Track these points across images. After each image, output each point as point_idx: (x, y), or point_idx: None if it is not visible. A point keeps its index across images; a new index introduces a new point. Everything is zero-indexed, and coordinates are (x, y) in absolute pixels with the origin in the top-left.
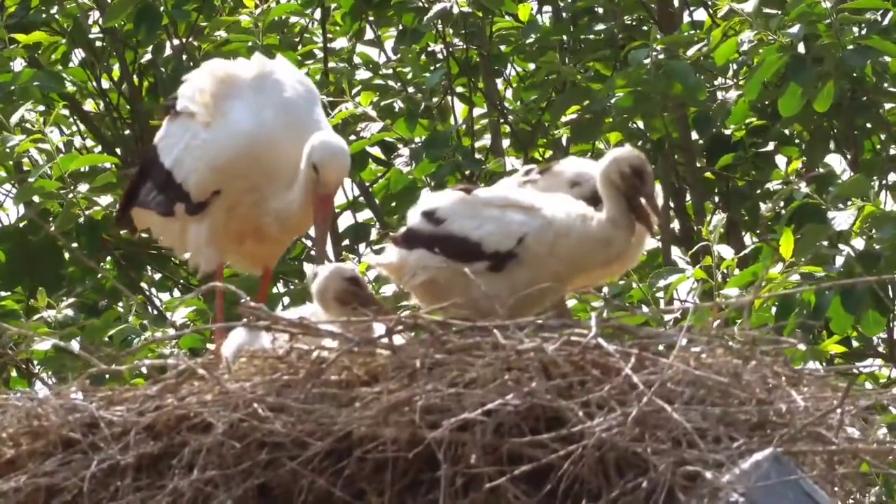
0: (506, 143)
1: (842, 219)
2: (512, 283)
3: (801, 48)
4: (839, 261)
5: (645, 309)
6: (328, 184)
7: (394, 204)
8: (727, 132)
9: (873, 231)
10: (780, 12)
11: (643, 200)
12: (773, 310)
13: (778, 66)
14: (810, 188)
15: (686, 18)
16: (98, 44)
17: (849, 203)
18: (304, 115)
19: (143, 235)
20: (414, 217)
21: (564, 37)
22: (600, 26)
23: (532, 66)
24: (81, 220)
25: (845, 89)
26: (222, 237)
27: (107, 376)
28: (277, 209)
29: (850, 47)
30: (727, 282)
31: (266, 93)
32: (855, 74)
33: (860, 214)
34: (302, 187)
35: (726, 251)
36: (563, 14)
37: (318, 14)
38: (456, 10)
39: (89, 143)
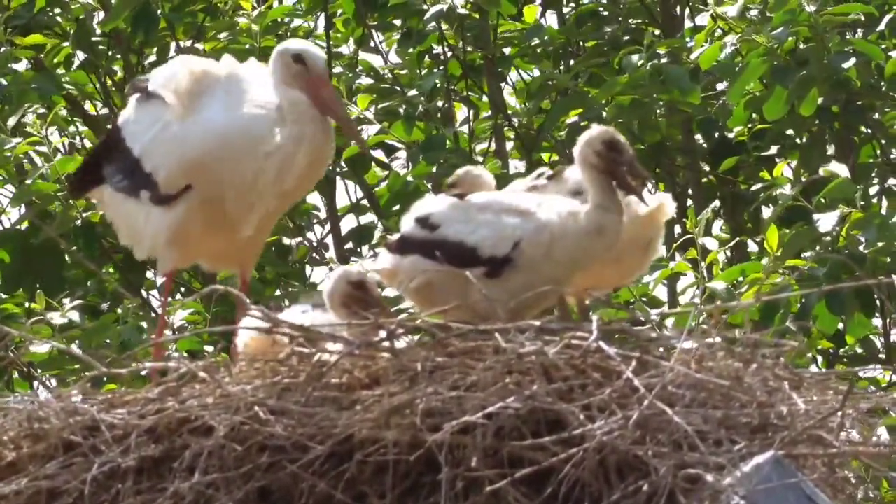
0: (509, 145)
1: (826, 221)
2: (508, 287)
3: (786, 51)
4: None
5: (652, 313)
6: (317, 66)
7: (396, 207)
8: (730, 135)
9: (860, 233)
10: (768, 14)
11: (626, 172)
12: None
13: (762, 71)
14: (795, 191)
15: (688, 24)
16: (101, 47)
17: (833, 206)
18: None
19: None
20: (407, 223)
21: (569, 41)
22: (605, 30)
23: (535, 70)
24: (79, 222)
25: (840, 92)
26: (189, 231)
27: (105, 379)
28: (282, 148)
29: (835, 51)
30: (713, 276)
31: (238, 91)
32: (840, 78)
33: (847, 220)
34: (288, 92)
35: (711, 243)
36: (566, 19)
37: (321, 19)
38: (455, 10)
39: (89, 144)
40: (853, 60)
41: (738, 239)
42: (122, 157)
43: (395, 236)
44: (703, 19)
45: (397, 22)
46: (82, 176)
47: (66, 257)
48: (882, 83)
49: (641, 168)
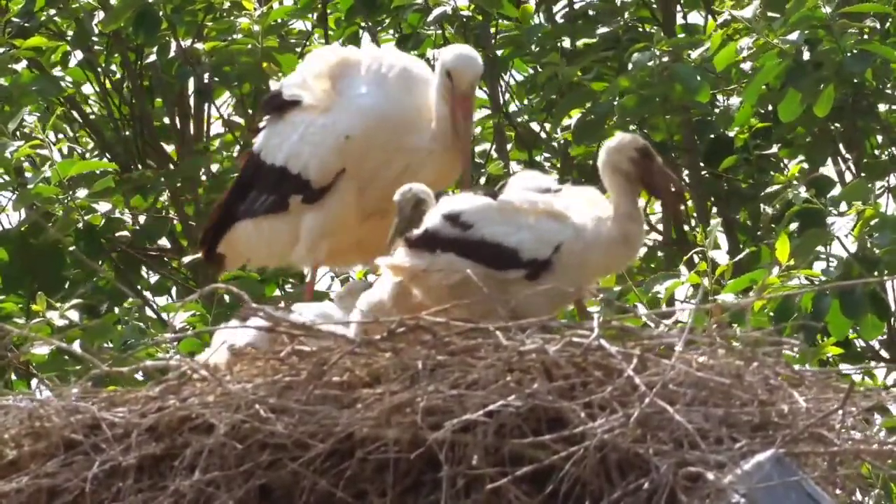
0: (508, 145)
1: (841, 224)
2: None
3: (802, 53)
4: (835, 264)
5: (642, 310)
6: (461, 84)
7: None
8: (730, 134)
9: (873, 235)
10: (779, 16)
11: (659, 179)
12: (772, 313)
13: (777, 72)
14: (810, 193)
15: (681, 21)
16: (100, 46)
17: (849, 207)
18: (425, 79)
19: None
20: (433, 219)
21: (566, 40)
22: (602, 29)
23: (533, 69)
24: (80, 225)
25: (848, 93)
26: (346, 220)
27: (107, 378)
28: (419, 151)
29: (851, 52)
30: (723, 287)
31: (383, 68)
32: (855, 80)
33: (861, 218)
34: (441, 107)
35: (721, 256)
36: (557, 17)
37: (315, 18)
38: (457, 11)
39: (89, 144)
40: (869, 64)
41: (747, 251)
42: (264, 177)
43: (416, 232)
44: (696, 18)
45: (391, 25)
46: (213, 234)
47: (66, 258)
48: (888, 83)
49: (672, 174)
